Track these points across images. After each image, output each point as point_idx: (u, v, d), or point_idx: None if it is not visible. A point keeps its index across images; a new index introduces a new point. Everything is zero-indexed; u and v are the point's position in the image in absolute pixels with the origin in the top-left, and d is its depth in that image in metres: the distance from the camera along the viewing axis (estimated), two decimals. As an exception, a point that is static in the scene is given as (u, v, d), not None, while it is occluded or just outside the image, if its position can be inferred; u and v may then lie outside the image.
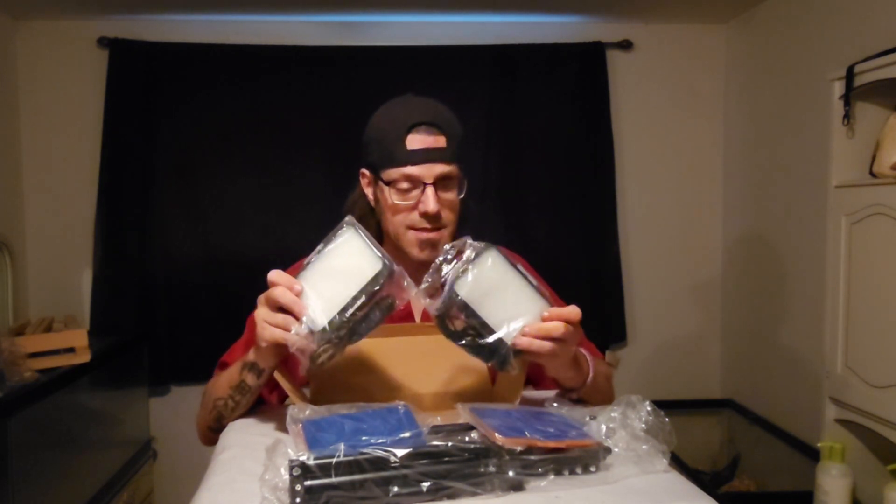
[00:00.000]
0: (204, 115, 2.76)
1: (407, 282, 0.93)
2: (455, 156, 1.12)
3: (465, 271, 0.92)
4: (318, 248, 0.95)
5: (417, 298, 0.95)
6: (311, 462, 0.74)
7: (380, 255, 0.92)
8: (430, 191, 1.10)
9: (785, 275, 2.56)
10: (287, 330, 0.90)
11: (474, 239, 0.95)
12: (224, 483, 0.84)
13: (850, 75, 1.83)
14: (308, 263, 0.94)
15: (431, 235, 1.13)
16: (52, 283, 2.80)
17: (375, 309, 0.92)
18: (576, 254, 2.85)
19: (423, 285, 0.93)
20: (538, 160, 2.87)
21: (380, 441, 0.78)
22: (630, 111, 2.97)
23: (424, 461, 0.76)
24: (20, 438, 1.81)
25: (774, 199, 2.62)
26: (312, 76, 2.78)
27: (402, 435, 0.80)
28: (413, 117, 1.10)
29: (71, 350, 2.13)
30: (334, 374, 1.08)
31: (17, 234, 2.72)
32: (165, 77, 2.74)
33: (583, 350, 1.10)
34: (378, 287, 0.91)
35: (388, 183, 1.12)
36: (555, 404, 0.97)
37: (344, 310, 0.90)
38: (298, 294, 0.91)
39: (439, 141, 1.10)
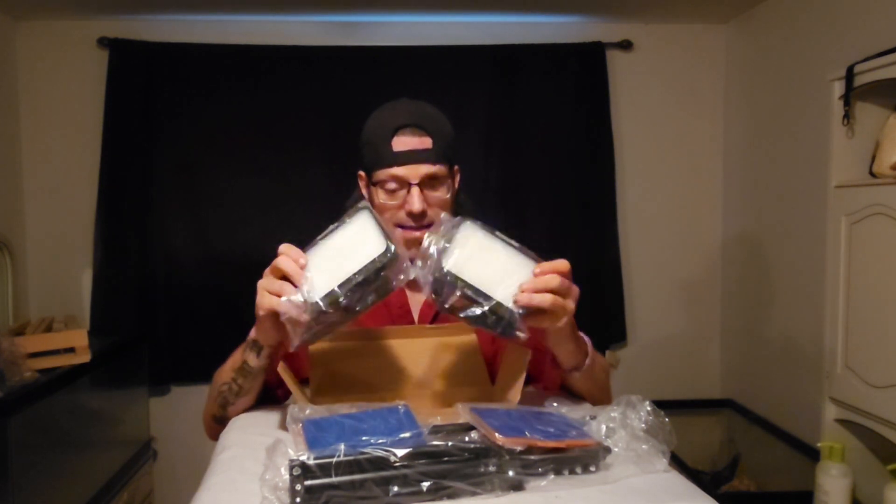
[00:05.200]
0: (204, 115, 2.76)
1: (406, 265, 0.93)
2: (442, 156, 1.15)
3: (445, 247, 0.92)
4: (331, 227, 0.96)
5: (416, 289, 0.93)
6: (312, 462, 0.74)
7: (386, 238, 0.93)
8: (415, 191, 1.13)
9: (785, 275, 2.56)
10: (281, 297, 0.91)
11: None
12: (224, 483, 0.84)
13: (849, 75, 1.83)
14: (318, 241, 0.96)
15: (418, 234, 1.14)
16: (52, 283, 2.80)
17: (372, 291, 0.92)
18: (576, 254, 2.84)
19: (416, 271, 0.93)
20: (538, 160, 2.87)
21: (380, 441, 0.78)
22: (630, 111, 2.97)
23: (424, 461, 0.76)
24: (20, 438, 1.81)
25: (774, 199, 2.62)
26: (312, 76, 2.78)
27: (402, 435, 0.80)
28: (398, 120, 1.14)
29: (71, 350, 2.13)
30: (335, 374, 1.08)
31: (17, 234, 2.72)
32: (165, 77, 2.74)
33: (581, 333, 1.10)
34: (379, 268, 0.90)
35: (377, 183, 1.16)
36: (555, 404, 0.97)
37: (342, 286, 0.90)
38: (303, 267, 0.92)
39: (424, 142, 1.13)
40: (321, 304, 0.89)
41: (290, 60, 2.77)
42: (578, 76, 2.87)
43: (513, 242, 0.96)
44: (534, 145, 2.87)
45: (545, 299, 0.92)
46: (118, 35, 2.72)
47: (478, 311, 0.91)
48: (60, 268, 2.80)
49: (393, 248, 0.91)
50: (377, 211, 1.17)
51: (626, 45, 2.93)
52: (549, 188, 2.88)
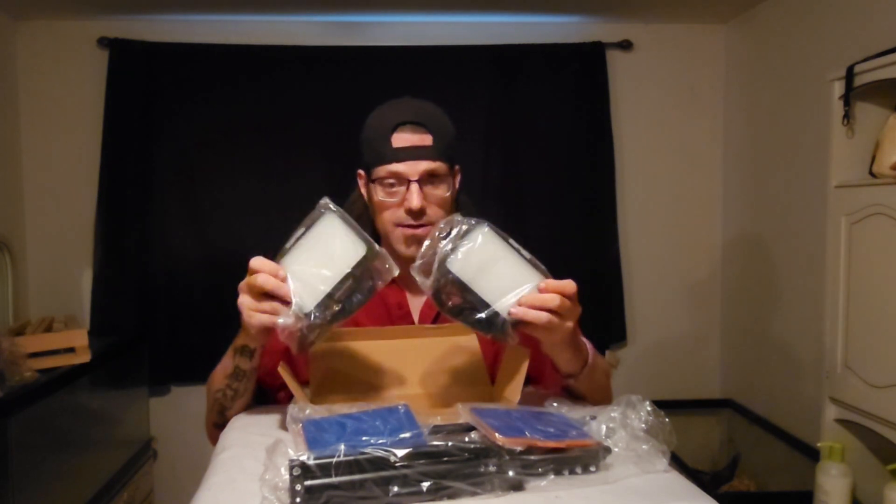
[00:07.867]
0: (204, 115, 2.76)
1: (389, 263, 0.94)
2: (442, 154, 1.14)
3: (455, 247, 0.93)
4: (298, 232, 0.95)
5: (416, 291, 0.93)
6: (312, 462, 0.74)
7: (362, 237, 0.93)
8: (414, 187, 1.12)
9: (784, 275, 2.56)
10: (275, 315, 0.91)
11: None
12: (224, 483, 0.84)
13: (850, 75, 1.83)
14: (289, 248, 0.95)
15: (417, 232, 1.14)
16: (52, 283, 2.80)
17: (358, 291, 0.93)
18: (576, 254, 2.84)
19: (418, 262, 0.94)
20: (538, 160, 2.87)
21: (380, 441, 0.78)
22: (630, 111, 2.97)
23: (424, 461, 0.76)
24: (20, 438, 1.81)
25: (774, 199, 2.62)
26: (312, 76, 2.78)
27: (402, 435, 0.80)
28: (399, 117, 1.13)
29: (71, 350, 2.13)
30: (335, 374, 1.08)
31: (17, 234, 2.72)
32: (165, 77, 2.74)
33: (584, 338, 1.10)
34: (363, 269, 0.92)
35: (376, 180, 1.15)
36: (555, 404, 0.97)
37: (331, 294, 0.91)
38: (283, 279, 0.92)
39: (425, 139, 1.13)
40: (317, 316, 0.90)
41: (291, 60, 2.77)
42: (578, 76, 2.87)
43: (524, 253, 0.96)
44: (534, 145, 2.87)
45: (540, 317, 0.92)
46: (118, 35, 2.72)
47: (474, 316, 0.93)
48: (60, 268, 2.80)
49: (372, 246, 0.93)
50: (376, 209, 1.17)
51: (626, 45, 2.93)
52: (549, 188, 2.88)
